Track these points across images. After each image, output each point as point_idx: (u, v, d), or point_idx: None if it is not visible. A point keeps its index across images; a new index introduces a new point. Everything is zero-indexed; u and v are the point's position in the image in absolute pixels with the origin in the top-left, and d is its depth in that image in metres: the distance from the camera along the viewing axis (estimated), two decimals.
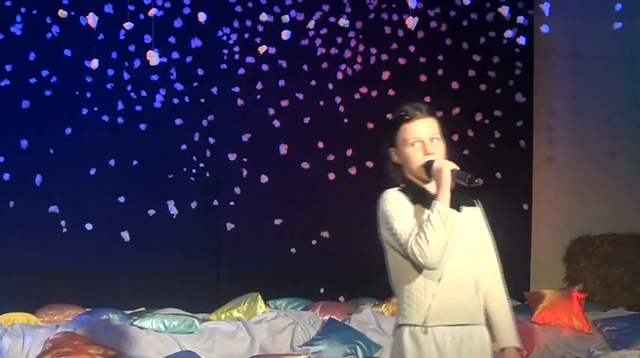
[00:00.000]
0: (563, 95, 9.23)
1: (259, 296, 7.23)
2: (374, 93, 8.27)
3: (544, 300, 7.59)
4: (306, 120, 8.17)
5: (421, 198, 3.44)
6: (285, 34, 5.90)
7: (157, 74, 7.59)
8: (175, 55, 7.70)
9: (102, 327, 6.57)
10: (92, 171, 7.58)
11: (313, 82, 8.21)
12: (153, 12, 5.65)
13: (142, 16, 6.46)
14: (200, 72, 7.90)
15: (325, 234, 8.20)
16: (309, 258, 8.06)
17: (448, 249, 3.37)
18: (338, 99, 8.28)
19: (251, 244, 7.96)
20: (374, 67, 8.28)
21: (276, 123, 8.04)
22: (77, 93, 7.55)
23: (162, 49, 6.34)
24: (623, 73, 9.01)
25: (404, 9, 5.69)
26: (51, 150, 7.53)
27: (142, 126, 7.69)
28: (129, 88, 7.66)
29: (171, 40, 7.63)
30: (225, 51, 8.00)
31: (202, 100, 7.96)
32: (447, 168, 3.38)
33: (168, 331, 6.61)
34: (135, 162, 7.73)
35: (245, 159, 8.04)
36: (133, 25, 5.40)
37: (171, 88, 7.79)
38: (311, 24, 6.60)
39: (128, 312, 7.20)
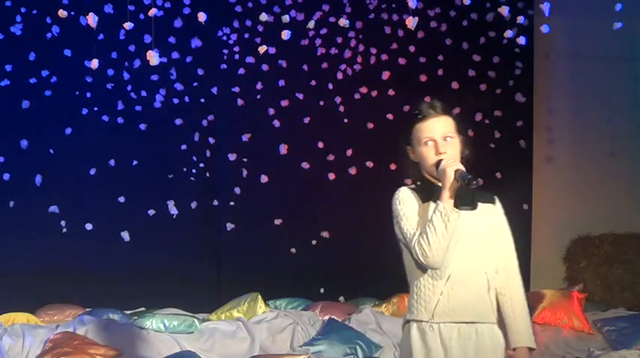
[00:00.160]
0: (563, 95, 9.22)
1: (259, 296, 7.23)
2: (374, 93, 8.27)
3: (544, 300, 7.59)
4: (306, 120, 8.17)
5: (435, 196, 3.43)
6: (285, 34, 5.89)
7: (156, 74, 7.59)
8: (175, 55, 7.70)
9: (102, 327, 6.57)
10: (92, 171, 7.58)
11: (313, 82, 8.21)
12: (153, 12, 5.64)
13: (142, 16, 6.45)
14: (200, 72, 7.90)
15: (325, 234, 8.19)
16: (309, 258, 8.06)
17: (456, 247, 3.38)
18: (338, 99, 8.28)
19: (251, 244, 7.95)
20: (374, 67, 8.28)
21: (276, 123, 8.04)
22: (77, 93, 7.56)
23: (162, 49, 6.32)
24: (623, 73, 9.00)
25: (404, 9, 5.67)
26: (51, 150, 7.53)
27: (142, 126, 7.69)
28: (129, 87, 7.67)
29: (171, 40, 7.63)
30: (225, 51, 8.00)
31: (202, 100, 7.96)
32: (450, 168, 3.38)
33: (168, 331, 6.61)
34: (135, 162, 7.73)
35: (245, 159, 8.04)
36: (132, 25, 5.39)
37: (171, 88, 7.79)
38: (311, 24, 6.59)
39: (128, 312, 7.21)
